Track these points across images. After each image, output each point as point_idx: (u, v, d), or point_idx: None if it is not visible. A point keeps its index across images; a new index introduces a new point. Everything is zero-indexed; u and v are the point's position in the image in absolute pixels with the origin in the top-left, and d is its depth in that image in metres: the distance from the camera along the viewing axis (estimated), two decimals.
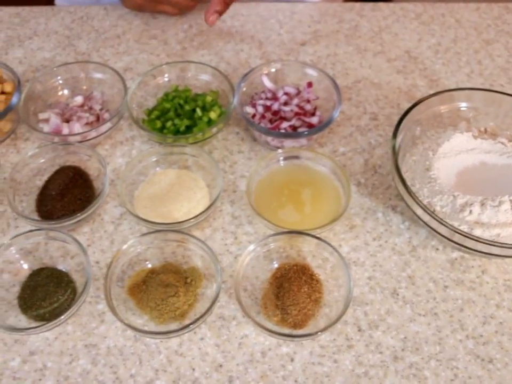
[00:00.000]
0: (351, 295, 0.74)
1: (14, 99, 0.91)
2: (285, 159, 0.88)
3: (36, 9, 1.14)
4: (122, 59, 1.06)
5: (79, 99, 0.96)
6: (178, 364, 0.73)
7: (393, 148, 0.80)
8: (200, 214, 0.80)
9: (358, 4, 1.15)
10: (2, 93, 0.93)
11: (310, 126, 0.91)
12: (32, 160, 0.89)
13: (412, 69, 1.05)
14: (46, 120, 0.94)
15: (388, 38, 1.09)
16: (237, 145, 0.94)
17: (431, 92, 1.00)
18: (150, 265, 0.81)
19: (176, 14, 1.14)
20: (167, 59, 1.06)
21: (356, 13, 1.14)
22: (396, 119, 0.96)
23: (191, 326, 0.72)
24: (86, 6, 1.16)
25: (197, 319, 0.72)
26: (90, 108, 0.95)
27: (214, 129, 0.89)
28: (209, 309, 0.73)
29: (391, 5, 1.15)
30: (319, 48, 1.07)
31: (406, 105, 0.98)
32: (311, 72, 0.95)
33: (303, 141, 0.90)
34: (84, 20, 1.14)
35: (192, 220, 0.81)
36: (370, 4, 1.15)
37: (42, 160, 0.90)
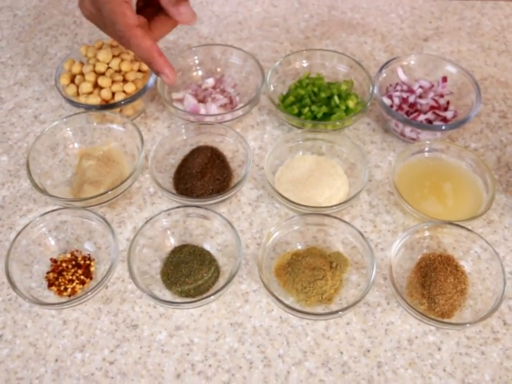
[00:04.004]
0: (506, 288, 0.74)
1: (151, 80, 0.92)
2: (426, 151, 0.88)
3: None
4: (246, 45, 1.07)
5: (210, 81, 0.97)
6: (326, 346, 0.74)
7: None
8: (350, 199, 0.80)
9: (478, 2, 1.15)
10: (139, 71, 0.93)
11: (444, 119, 0.91)
12: (167, 138, 0.90)
13: None
14: (180, 100, 0.94)
15: (511, 37, 1.09)
16: (368, 136, 0.94)
17: None
18: (295, 248, 0.81)
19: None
20: (290, 47, 1.06)
21: (477, 10, 1.14)
22: None
23: (348, 309, 0.72)
24: None
25: (356, 302, 0.72)
26: (223, 91, 0.96)
27: (353, 118, 0.89)
28: (365, 293, 0.73)
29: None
30: (442, 44, 1.07)
31: None
32: (450, 68, 0.94)
33: (438, 134, 0.90)
34: (203, 4, 1.15)
35: (335, 207, 0.81)
36: (491, 2, 1.14)
37: (176, 139, 0.91)
